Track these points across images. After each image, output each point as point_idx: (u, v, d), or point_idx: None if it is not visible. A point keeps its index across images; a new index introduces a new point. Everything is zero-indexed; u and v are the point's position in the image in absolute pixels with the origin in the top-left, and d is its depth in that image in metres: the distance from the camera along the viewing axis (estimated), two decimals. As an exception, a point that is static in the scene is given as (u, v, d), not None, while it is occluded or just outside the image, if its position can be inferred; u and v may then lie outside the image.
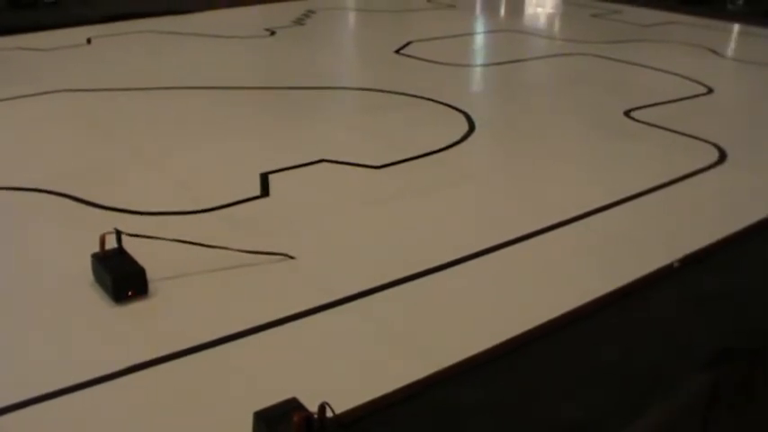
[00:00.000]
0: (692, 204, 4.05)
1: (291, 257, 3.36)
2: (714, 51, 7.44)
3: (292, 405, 2.29)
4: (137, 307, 3.01)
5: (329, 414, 2.22)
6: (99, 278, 3.12)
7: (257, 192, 4.04)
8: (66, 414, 2.48)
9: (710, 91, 6.07)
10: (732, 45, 7.84)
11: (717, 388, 2.68)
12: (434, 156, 4.58)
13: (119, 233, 3.15)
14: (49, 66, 6.69)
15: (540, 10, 10.25)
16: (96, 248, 3.15)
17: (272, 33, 8.05)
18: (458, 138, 4.88)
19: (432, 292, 3.18)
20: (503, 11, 10.25)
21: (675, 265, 3.41)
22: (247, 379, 2.62)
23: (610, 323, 3.00)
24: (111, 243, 3.16)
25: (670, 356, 2.82)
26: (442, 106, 5.55)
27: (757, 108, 5.80)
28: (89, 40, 7.61)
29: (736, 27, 8.75)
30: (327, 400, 2.23)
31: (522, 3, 10.71)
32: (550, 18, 9.68)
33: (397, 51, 7.26)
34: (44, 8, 9.24)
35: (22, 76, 6.34)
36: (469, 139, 4.90)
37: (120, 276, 3.02)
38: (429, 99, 5.69)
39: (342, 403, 2.37)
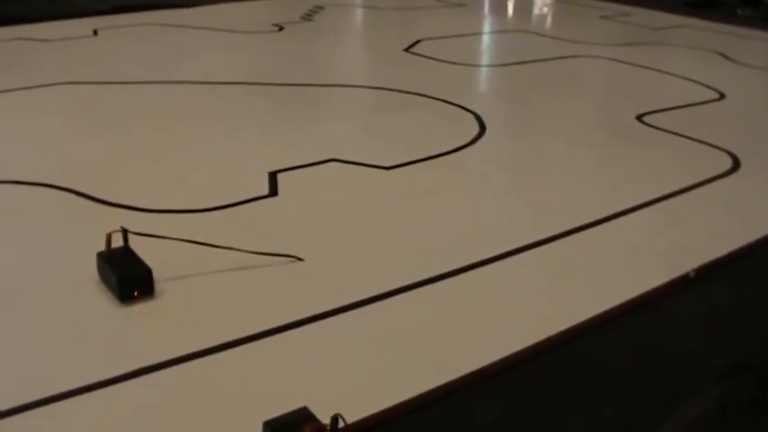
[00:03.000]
0: (708, 213, 3.99)
1: (300, 259, 3.30)
2: (724, 56, 7.38)
3: (303, 415, 2.23)
4: (143, 308, 2.95)
5: (341, 425, 2.16)
6: (104, 277, 3.05)
7: (266, 191, 3.98)
8: (70, 418, 2.41)
9: (722, 96, 6.01)
10: (742, 50, 7.76)
11: (729, 403, 2.63)
12: (445, 157, 4.52)
13: (125, 232, 3.09)
14: (55, 57, 6.63)
15: (549, 10, 10.19)
16: (101, 246, 3.09)
17: (281, 29, 7.99)
18: (469, 139, 4.82)
19: (445, 297, 3.12)
20: (512, 10, 10.19)
21: (691, 275, 3.35)
22: (256, 386, 2.56)
23: (622, 335, 2.94)
24: (116, 241, 3.10)
25: (683, 369, 2.76)
26: (452, 107, 5.49)
27: (770, 115, 5.75)
28: (95, 32, 7.55)
29: (746, 32, 8.68)
30: (338, 409, 2.17)
31: (531, 3, 10.65)
32: (560, 19, 9.62)
33: (407, 50, 7.20)
34: (50, -2, 9.18)
35: (27, 67, 6.28)
36: (480, 140, 4.83)
37: (126, 276, 2.95)
38: (439, 99, 5.63)
39: (353, 412, 2.31)
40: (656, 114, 5.45)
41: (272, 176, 4.13)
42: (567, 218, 3.79)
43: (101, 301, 2.98)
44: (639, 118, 5.36)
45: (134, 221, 3.38)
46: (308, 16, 8.69)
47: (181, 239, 3.22)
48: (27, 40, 7.12)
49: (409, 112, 5.41)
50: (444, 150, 4.60)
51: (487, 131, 4.99)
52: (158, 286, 3.03)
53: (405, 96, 5.74)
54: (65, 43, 7.07)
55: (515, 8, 10.33)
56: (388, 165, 4.35)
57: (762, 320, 3.11)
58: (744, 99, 6.03)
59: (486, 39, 8.34)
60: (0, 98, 5.43)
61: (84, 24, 7.82)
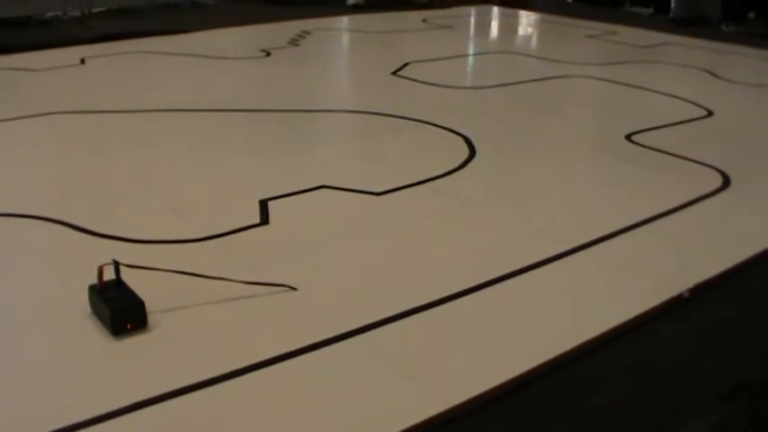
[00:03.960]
0: (700, 231, 4.00)
1: (293, 288, 3.28)
2: (711, 73, 7.42)
3: (300, 449, 2.21)
4: (136, 341, 2.92)
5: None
6: (96, 311, 3.03)
7: (257, 219, 3.96)
8: (64, 456, 2.39)
9: (710, 114, 6.03)
10: (728, 66, 7.81)
11: (730, 422, 2.61)
12: (436, 181, 4.51)
13: (117, 264, 3.06)
14: (42, 87, 6.61)
15: (535, 31, 10.23)
16: (93, 278, 3.05)
17: (268, 54, 8.00)
18: (459, 163, 4.81)
19: (441, 323, 3.10)
20: (498, 32, 10.23)
21: (685, 294, 3.34)
22: (252, 418, 2.53)
23: (619, 356, 2.93)
24: (108, 273, 3.06)
25: (682, 390, 2.75)
26: (441, 130, 5.49)
27: (758, 131, 5.75)
28: (83, 60, 7.54)
29: (732, 48, 8.73)
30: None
31: (516, 24, 10.70)
32: (546, 39, 9.66)
33: (395, 73, 7.21)
34: (37, 27, 9.17)
35: (14, 96, 6.26)
36: (471, 164, 4.83)
37: (119, 309, 2.92)
38: (428, 123, 5.63)
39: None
40: (646, 133, 5.46)
41: (263, 204, 4.11)
42: (560, 240, 3.78)
43: (93, 334, 2.95)
44: (629, 137, 5.37)
45: (125, 253, 3.36)
46: (294, 41, 8.70)
47: (173, 271, 3.19)
48: (14, 69, 7.10)
49: (399, 136, 5.41)
50: (435, 174, 4.59)
51: (478, 154, 4.98)
52: (151, 318, 3.01)
53: (394, 120, 5.73)
54: (52, 72, 7.05)
55: (501, 29, 10.37)
56: (379, 190, 4.34)
57: (761, 336, 3.11)
58: (732, 116, 6.06)
59: (473, 60, 8.36)
60: (-12, 129, 5.42)
61: (71, 53, 7.81)
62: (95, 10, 10.20)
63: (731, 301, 3.35)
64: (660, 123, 5.71)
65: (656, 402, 2.68)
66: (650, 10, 10.90)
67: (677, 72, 7.55)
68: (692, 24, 9.74)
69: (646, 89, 6.75)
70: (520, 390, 2.71)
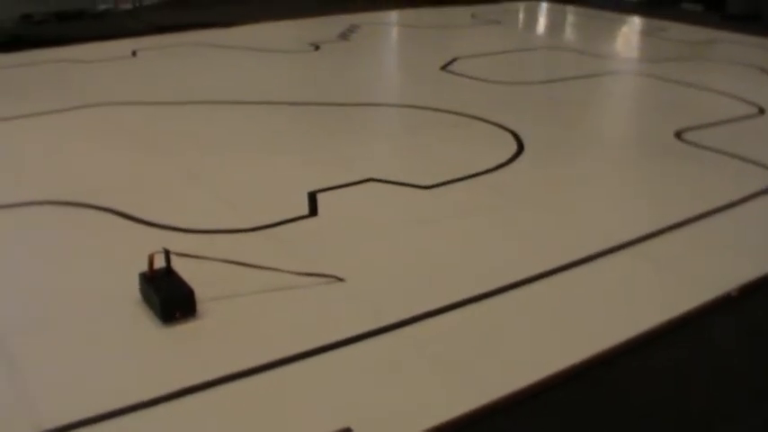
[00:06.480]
0: (750, 230, 3.95)
1: (341, 279, 3.30)
2: (764, 70, 7.31)
3: (347, 437, 2.23)
4: (185, 329, 2.96)
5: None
6: (147, 298, 3.07)
7: (305, 211, 3.99)
8: (115, 439, 2.43)
9: (762, 112, 5.95)
10: (782, 64, 7.70)
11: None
12: (483, 177, 4.51)
13: (167, 253, 3.10)
14: (94, 78, 6.71)
15: (584, 26, 10.15)
16: (143, 266, 3.10)
17: (317, 48, 8.03)
18: (507, 158, 4.80)
19: (486, 317, 3.11)
20: (547, 27, 10.16)
21: (733, 294, 3.31)
22: (299, 407, 2.56)
23: (664, 356, 2.91)
24: (159, 261, 3.11)
25: (727, 391, 2.73)
26: (490, 125, 5.48)
27: (812, 131, 5.67)
28: (134, 53, 7.64)
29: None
30: (382, 431, 2.16)
31: (564, 19, 10.63)
32: (595, 35, 9.58)
33: (444, 68, 7.21)
34: (90, 20, 9.29)
35: (67, 88, 6.36)
36: (518, 159, 4.81)
37: (169, 298, 2.97)
38: (477, 118, 5.62)
39: (396, 436, 2.31)
40: (696, 131, 5.40)
41: (312, 196, 4.14)
42: (607, 238, 3.76)
43: (143, 322, 3.00)
44: (679, 135, 5.32)
45: (174, 241, 3.41)
46: (344, 35, 8.72)
47: (222, 260, 3.23)
48: (67, 61, 7.22)
49: (446, 132, 5.41)
50: (483, 169, 4.59)
51: (526, 150, 4.97)
52: (200, 307, 3.05)
53: (442, 115, 5.73)
54: (104, 64, 7.15)
55: (550, 25, 10.31)
56: (426, 184, 4.34)
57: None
58: (784, 114, 5.97)
59: (522, 56, 8.30)
60: (41, 120, 5.50)
61: (122, 45, 7.92)
62: (147, 2, 10.34)
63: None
64: (711, 121, 5.65)
65: (700, 402, 2.66)
66: (700, 6, 10.77)
67: (728, 69, 7.45)
68: (744, 21, 9.60)
69: (696, 86, 6.68)
70: (562, 386, 2.71)
